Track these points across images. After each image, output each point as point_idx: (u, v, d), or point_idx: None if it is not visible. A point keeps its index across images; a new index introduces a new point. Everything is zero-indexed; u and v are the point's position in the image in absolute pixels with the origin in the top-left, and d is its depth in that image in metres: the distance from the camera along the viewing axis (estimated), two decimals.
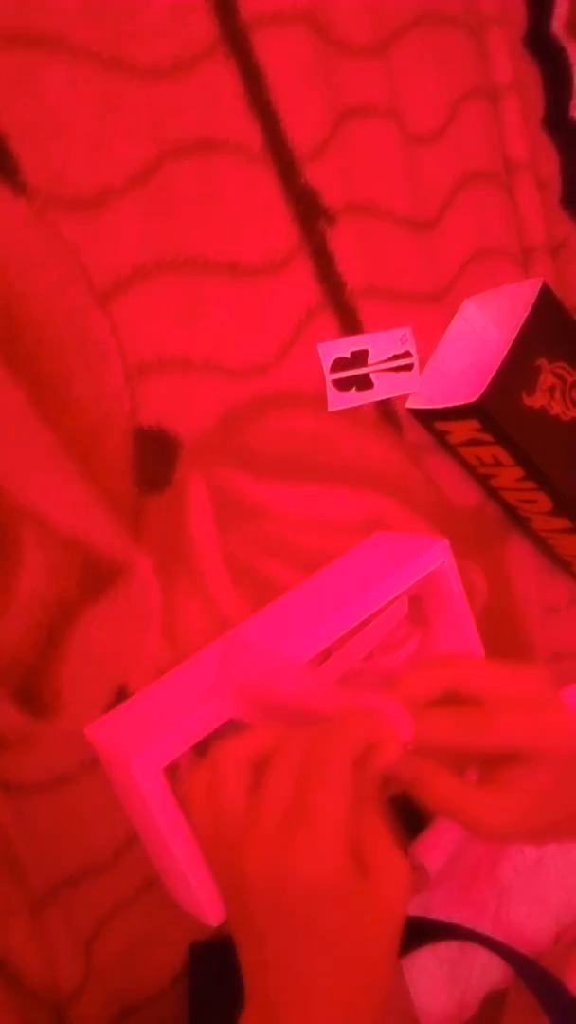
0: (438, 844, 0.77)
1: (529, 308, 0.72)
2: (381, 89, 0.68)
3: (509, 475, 0.75)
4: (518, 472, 0.74)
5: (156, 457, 0.62)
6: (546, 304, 0.73)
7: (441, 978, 0.70)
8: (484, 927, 0.70)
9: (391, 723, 0.41)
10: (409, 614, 0.70)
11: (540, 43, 0.79)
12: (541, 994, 0.61)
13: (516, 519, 0.82)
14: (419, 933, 0.68)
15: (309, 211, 0.65)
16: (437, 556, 0.67)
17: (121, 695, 0.61)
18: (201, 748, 0.55)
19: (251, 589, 0.67)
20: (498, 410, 0.70)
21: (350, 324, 0.70)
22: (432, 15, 0.72)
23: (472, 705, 0.43)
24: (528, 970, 0.65)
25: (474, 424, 0.71)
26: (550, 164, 0.82)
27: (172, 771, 0.55)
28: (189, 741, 0.53)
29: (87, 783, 0.60)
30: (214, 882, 0.39)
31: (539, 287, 0.73)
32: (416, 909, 0.73)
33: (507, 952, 0.67)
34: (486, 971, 0.68)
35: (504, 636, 0.82)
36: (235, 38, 0.59)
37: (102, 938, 0.61)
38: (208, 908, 0.55)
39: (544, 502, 0.76)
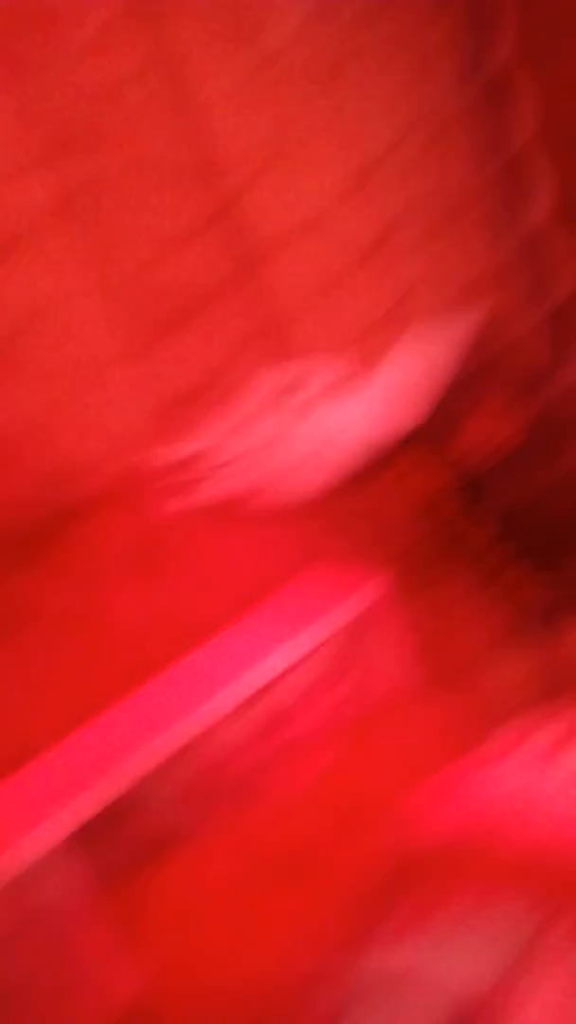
0: None
1: (470, 339, 0.71)
2: (324, 120, 0.68)
3: (453, 505, 0.75)
4: (462, 502, 0.74)
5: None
6: (486, 335, 0.73)
7: None
8: (423, 975, 0.68)
9: None
10: (348, 650, 0.68)
11: (482, 80, 0.78)
12: None
13: (457, 554, 0.81)
14: None
15: (241, 242, 0.64)
16: (376, 590, 0.66)
17: None
18: None
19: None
20: (441, 438, 0.69)
21: (286, 357, 0.68)
22: (374, 48, 0.71)
23: None
24: (468, 1018, 0.63)
25: (418, 454, 0.70)
26: (493, 196, 0.82)
27: None
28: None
29: None
30: None
31: (478, 318, 0.72)
32: None
33: (445, 1000, 0.65)
34: (425, 1020, 0.66)
35: (446, 672, 0.81)
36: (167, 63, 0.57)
37: None
38: None
39: (489, 529, 0.76)
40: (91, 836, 0.49)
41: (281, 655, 0.59)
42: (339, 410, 0.71)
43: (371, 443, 0.73)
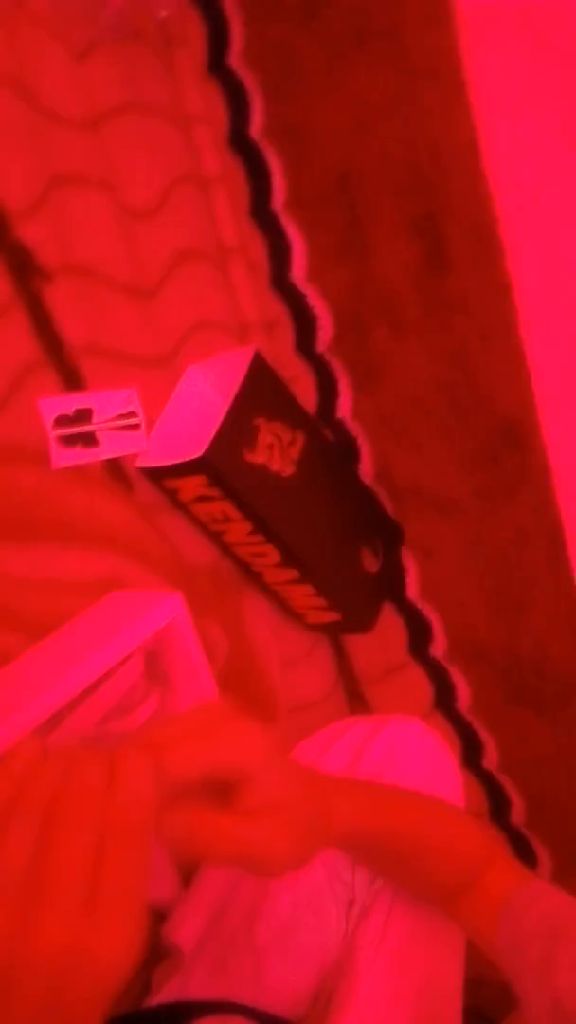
0: (190, 921, 0.73)
1: (244, 373, 0.77)
2: (94, 162, 0.71)
3: (239, 530, 0.78)
4: (247, 526, 0.77)
5: None
6: (259, 370, 0.79)
7: None
8: (244, 997, 0.67)
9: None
10: (147, 672, 0.68)
11: (241, 145, 0.87)
12: None
13: (250, 574, 0.84)
14: (176, 1017, 0.63)
15: (22, 266, 0.64)
16: (170, 610, 0.66)
17: None
18: None
19: None
20: (222, 464, 0.72)
21: (73, 382, 0.69)
22: (140, 104, 0.77)
23: None
24: None
25: (202, 479, 0.73)
26: (258, 249, 0.90)
27: None
28: None
29: None
30: None
31: (252, 355, 0.78)
32: (173, 993, 0.68)
33: (267, 1019, 0.65)
34: None
35: (246, 691, 0.83)
36: None
37: None
38: None
39: (273, 555, 0.80)
40: None
41: (86, 670, 0.57)
42: (128, 439, 0.73)
43: (155, 475, 0.75)
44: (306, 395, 0.94)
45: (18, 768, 0.38)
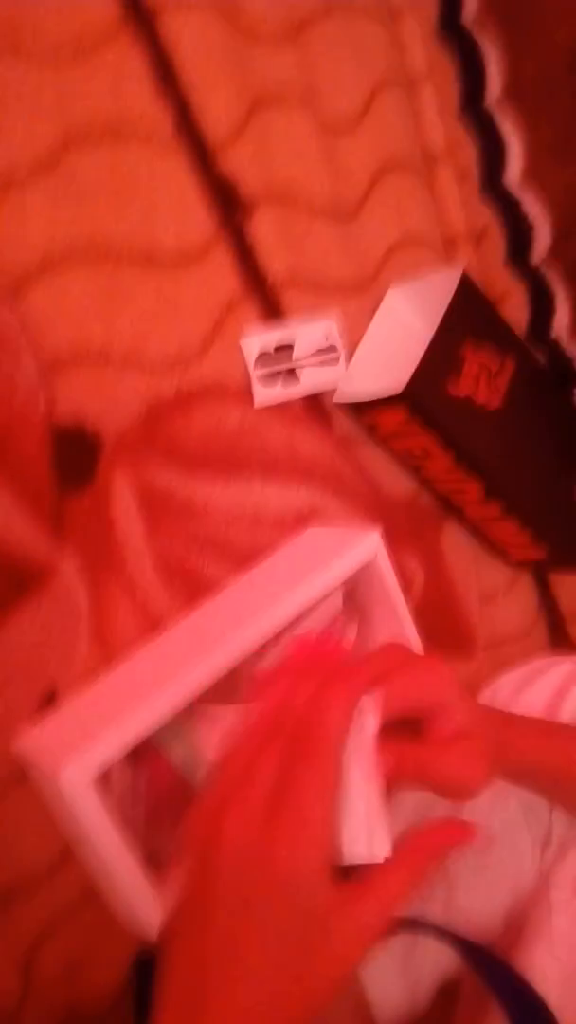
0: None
1: (451, 296, 0.72)
2: (295, 76, 0.68)
3: (439, 465, 0.75)
4: (448, 461, 0.74)
5: (76, 455, 0.59)
6: (468, 292, 0.73)
7: (393, 970, 0.70)
8: (434, 917, 0.70)
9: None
10: (344, 607, 0.69)
11: (452, 33, 0.79)
12: (492, 980, 0.61)
13: (449, 508, 0.82)
14: None
15: (226, 199, 0.64)
16: (370, 547, 0.66)
17: (50, 703, 0.59)
18: (133, 755, 0.53)
19: (182, 588, 0.65)
20: (424, 399, 0.69)
21: (273, 315, 0.68)
22: (343, 5, 0.71)
23: None
24: (478, 957, 0.65)
25: (402, 415, 0.70)
26: (468, 152, 0.83)
27: (104, 780, 0.53)
28: (119, 749, 0.51)
29: (17, 796, 0.57)
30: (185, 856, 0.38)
31: (460, 275, 0.73)
32: None
33: (457, 940, 0.67)
34: (438, 961, 0.68)
35: (443, 625, 0.82)
36: (140, 20, 0.57)
37: (40, 955, 0.59)
38: (147, 921, 0.53)
39: (475, 490, 0.77)
40: None
41: (289, 605, 0.59)
42: (327, 374, 0.72)
43: (353, 409, 0.73)
44: (517, 314, 0.87)
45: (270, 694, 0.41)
